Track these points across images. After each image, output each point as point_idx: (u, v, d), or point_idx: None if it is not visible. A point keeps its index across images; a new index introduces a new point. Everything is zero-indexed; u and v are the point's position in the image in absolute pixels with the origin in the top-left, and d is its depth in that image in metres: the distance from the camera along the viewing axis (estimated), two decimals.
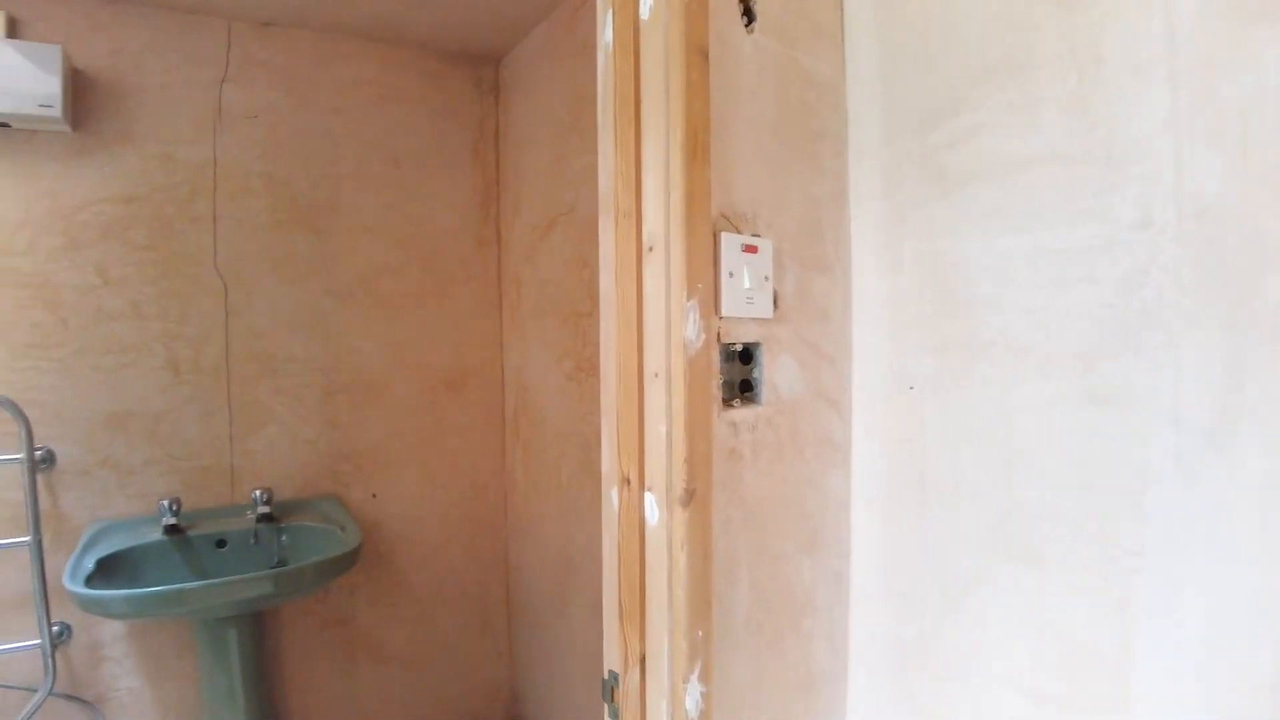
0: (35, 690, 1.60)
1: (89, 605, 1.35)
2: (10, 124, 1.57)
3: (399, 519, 1.90)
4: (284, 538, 1.70)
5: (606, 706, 0.86)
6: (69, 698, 1.67)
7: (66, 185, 1.63)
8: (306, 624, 1.84)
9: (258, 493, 1.69)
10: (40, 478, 1.64)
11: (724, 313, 0.75)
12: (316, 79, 1.81)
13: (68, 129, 1.61)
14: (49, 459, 1.64)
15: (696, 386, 0.73)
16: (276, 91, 1.78)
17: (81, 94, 1.62)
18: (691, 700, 0.76)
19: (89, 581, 1.41)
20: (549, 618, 1.84)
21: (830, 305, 0.88)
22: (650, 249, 0.72)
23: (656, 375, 0.73)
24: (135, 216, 1.67)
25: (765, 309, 0.80)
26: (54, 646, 1.59)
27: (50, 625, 1.57)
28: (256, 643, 1.64)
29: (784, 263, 0.82)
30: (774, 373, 0.83)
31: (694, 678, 0.76)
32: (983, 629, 0.79)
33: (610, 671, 0.84)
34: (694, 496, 0.73)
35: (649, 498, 0.76)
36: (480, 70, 1.99)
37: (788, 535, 0.87)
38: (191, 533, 1.64)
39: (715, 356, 0.76)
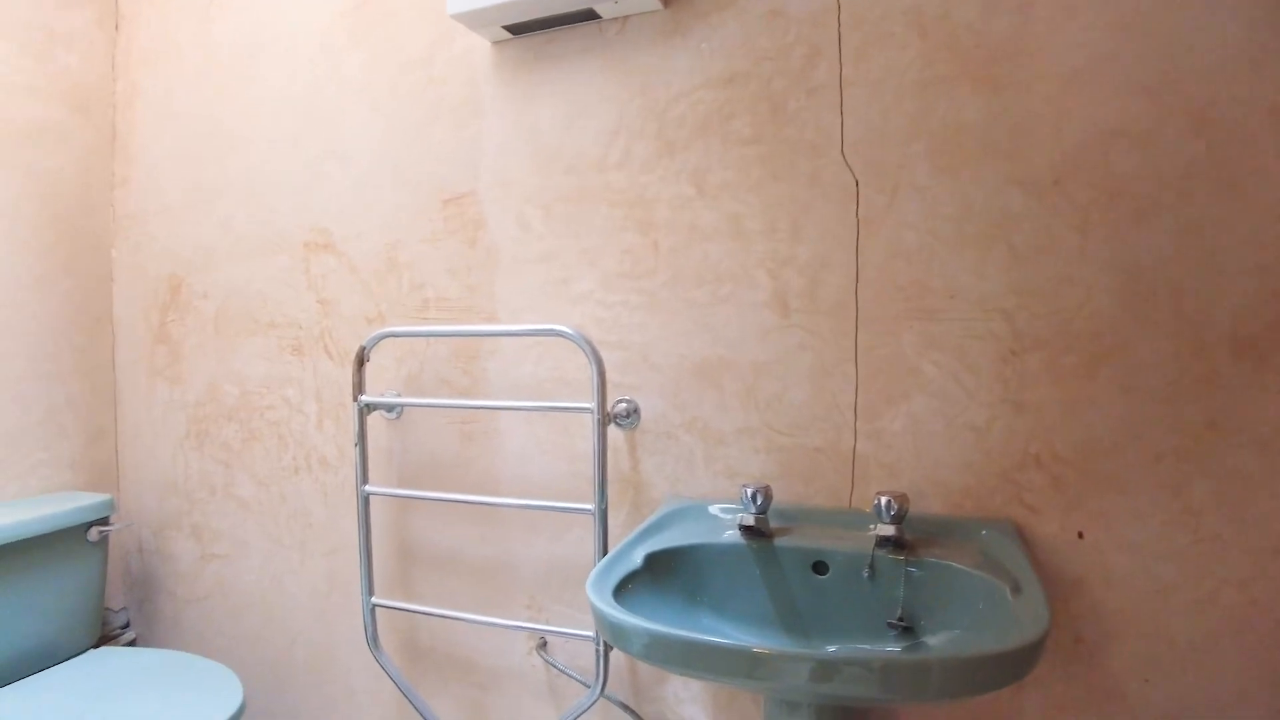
0: (589, 686, 1.22)
1: (604, 626, 0.82)
2: (599, 11, 1.16)
3: (1123, 585, 0.97)
4: (914, 578, 0.96)
5: None
6: (623, 707, 1.25)
7: (659, 76, 1.18)
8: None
9: (884, 501, 0.96)
10: (624, 435, 1.22)
11: None
12: None
13: (658, 4, 1.15)
14: (631, 413, 1.20)
15: None
16: None
17: None
18: None
19: (625, 586, 0.90)
20: None
21: None
22: None
23: None
24: (737, 101, 1.13)
25: None
26: (608, 646, 1.17)
27: None
28: None
29: None
30: None
31: None
32: None
33: None
34: None
35: None
36: None
37: None
38: (780, 541, 1.03)
39: None
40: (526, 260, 1.29)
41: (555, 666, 1.28)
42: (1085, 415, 0.97)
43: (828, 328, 1.08)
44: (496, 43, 1.28)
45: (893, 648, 0.93)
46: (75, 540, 1.47)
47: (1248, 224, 0.91)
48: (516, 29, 1.23)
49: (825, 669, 0.70)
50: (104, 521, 1.51)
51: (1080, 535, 0.98)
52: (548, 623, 1.29)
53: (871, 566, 0.97)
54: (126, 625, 1.73)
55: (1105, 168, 0.96)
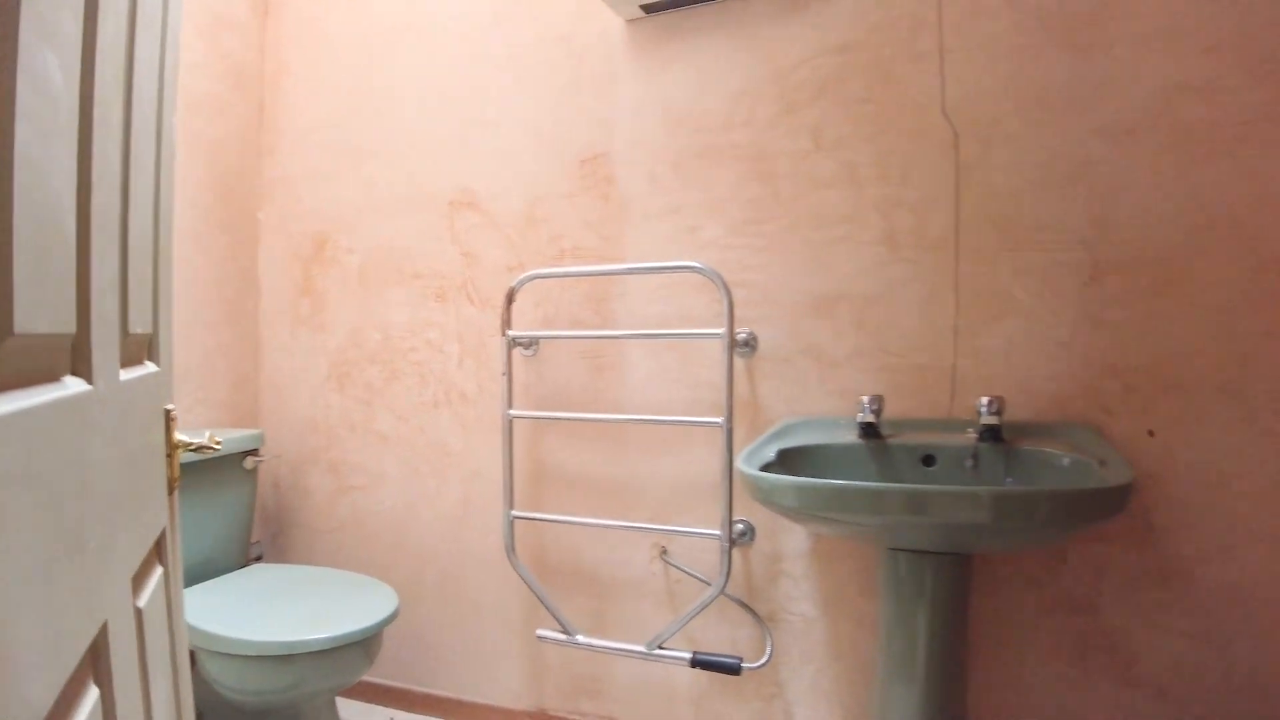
0: (710, 584, 1.53)
1: (758, 491, 1.14)
2: None
3: (1188, 476, 1.26)
4: (1014, 463, 1.26)
5: None
6: (741, 604, 1.57)
7: (781, 45, 1.51)
8: (1023, 598, 1.37)
9: (985, 400, 1.28)
10: (742, 362, 1.54)
11: None
12: None
13: None
14: (751, 342, 1.53)
15: None
16: None
17: None
18: None
19: (765, 469, 1.21)
20: None
21: None
22: None
23: None
24: (850, 66, 1.45)
25: None
26: (732, 543, 1.48)
27: (732, 520, 1.47)
28: (954, 598, 1.23)
29: None
30: None
31: None
32: None
33: None
34: None
35: None
36: None
37: None
38: (892, 441, 1.34)
39: None
40: (656, 212, 1.62)
41: (678, 568, 1.61)
42: (1154, 330, 1.27)
43: (931, 261, 1.39)
44: (631, 20, 1.63)
45: None
46: (233, 468, 1.84)
47: None
48: (651, 8, 1.57)
49: (946, 498, 1.00)
50: (256, 453, 1.89)
51: (1151, 434, 1.27)
52: (667, 534, 1.62)
53: (975, 457, 1.28)
54: (260, 557, 2.11)
55: (1172, 117, 1.25)
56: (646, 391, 1.64)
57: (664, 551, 1.63)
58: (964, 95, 1.37)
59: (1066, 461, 1.20)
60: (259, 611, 1.52)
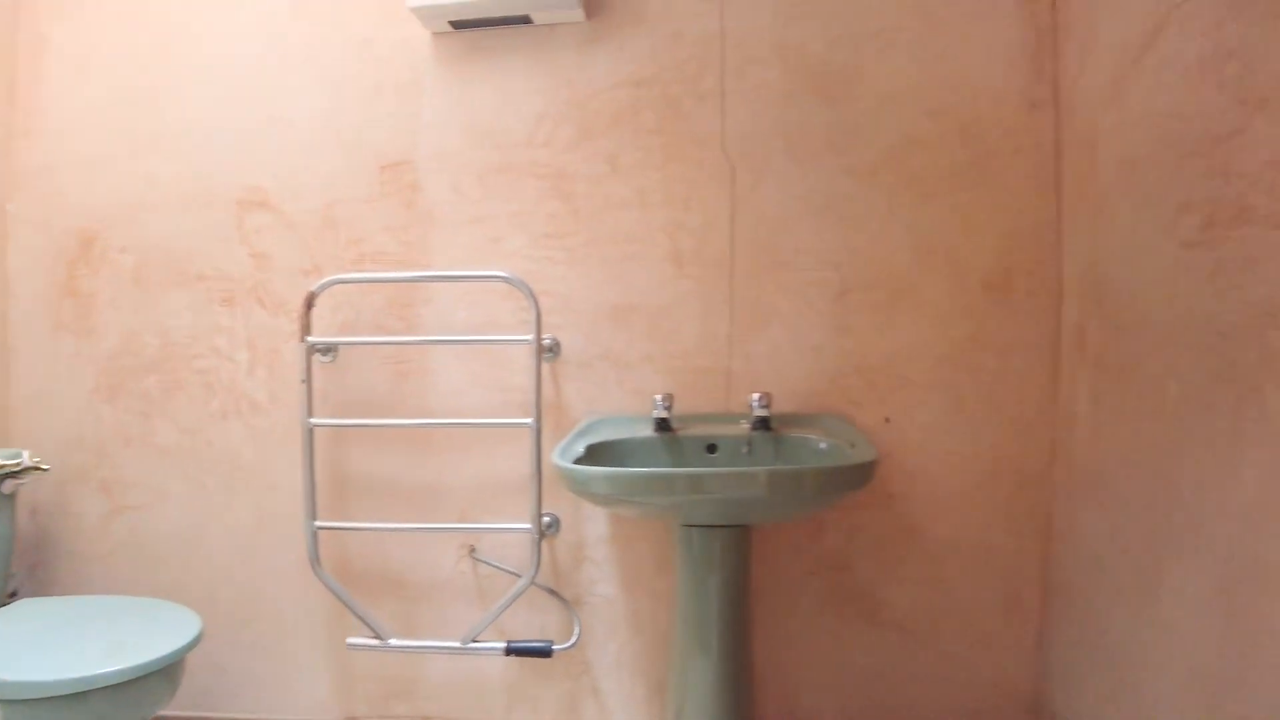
0: (520, 576, 1.63)
1: (573, 483, 1.29)
2: (533, 18, 1.60)
3: (916, 453, 1.57)
4: (781, 449, 1.49)
5: None
6: (549, 591, 1.69)
7: (581, 75, 1.64)
8: (794, 563, 1.63)
9: (755, 397, 1.51)
10: (546, 366, 1.65)
11: None
12: None
13: (582, 17, 1.62)
14: (554, 348, 1.65)
15: None
16: None
17: None
18: None
19: (578, 463, 1.36)
20: (1114, 605, 1.34)
21: None
22: None
23: None
24: (644, 99, 1.62)
25: None
26: (541, 537, 1.60)
27: (541, 515, 1.58)
28: (739, 566, 1.45)
29: None
30: None
31: None
32: None
33: None
34: None
35: None
36: None
37: None
38: (682, 433, 1.54)
39: None
40: (460, 221, 1.69)
41: (488, 563, 1.69)
42: (889, 336, 1.56)
43: (710, 277, 1.59)
44: (438, 34, 1.68)
45: None
46: None
47: (993, 205, 1.53)
48: (459, 24, 1.63)
49: (730, 477, 1.21)
50: (19, 474, 1.70)
51: (887, 420, 1.57)
52: (477, 532, 1.70)
53: (749, 444, 1.50)
54: (15, 593, 1.88)
55: (904, 163, 1.54)
56: (456, 397, 1.70)
57: (473, 549, 1.71)
58: (740, 133, 1.58)
59: (824, 445, 1.45)
60: (40, 649, 1.40)
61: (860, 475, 1.26)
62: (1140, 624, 1.28)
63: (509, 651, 1.61)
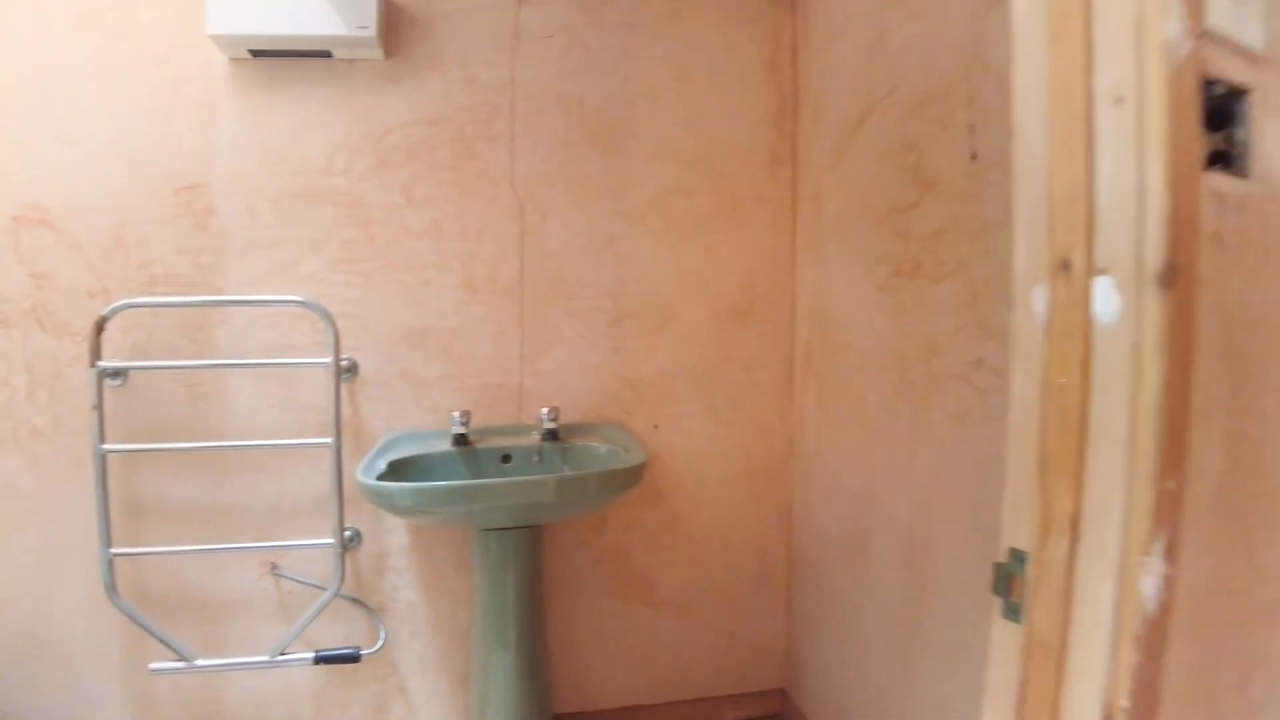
0: (325, 589, 1.71)
1: (378, 498, 1.42)
2: (333, 53, 1.70)
3: (680, 454, 1.85)
4: (567, 457, 1.71)
5: (1000, 604, 0.68)
6: (354, 601, 1.80)
7: (379, 110, 1.76)
8: (580, 555, 1.85)
9: (544, 411, 1.71)
10: (345, 386, 1.76)
11: (1208, 23, 0.56)
12: None
13: (381, 56, 1.73)
14: (353, 369, 1.76)
15: (1179, 115, 0.54)
16: (571, 10, 1.80)
17: (394, 24, 1.75)
18: (1151, 583, 0.57)
19: (381, 479, 1.49)
20: (837, 572, 1.69)
21: None
22: None
23: (1120, 100, 0.56)
24: (438, 137, 1.76)
25: (1257, 37, 0.59)
26: (344, 550, 1.70)
27: (343, 529, 1.68)
28: (532, 563, 1.65)
29: None
30: (1264, 139, 0.61)
31: (1157, 551, 0.57)
32: None
33: (1013, 551, 0.67)
34: (1177, 276, 0.54)
35: (1103, 284, 0.58)
36: None
37: (1276, 381, 0.65)
38: (478, 446, 1.70)
39: (1197, 83, 0.57)
40: (257, 245, 1.75)
41: (291, 579, 1.76)
42: (656, 355, 1.83)
43: (502, 303, 1.78)
44: (236, 59, 1.73)
45: None
46: None
47: (741, 246, 1.83)
48: (260, 53, 1.70)
49: (523, 485, 1.39)
50: None
51: (656, 427, 1.84)
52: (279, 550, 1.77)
53: (540, 454, 1.70)
54: None
55: (667, 208, 1.81)
56: (252, 418, 1.76)
57: (275, 567, 1.78)
58: (528, 174, 1.78)
59: (604, 451, 1.68)
60: None
61: (634, 476, 1.50)
62: (853, 582, 1.62)
63: (318, 660, 1.70)
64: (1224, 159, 0.60)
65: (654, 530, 1.86)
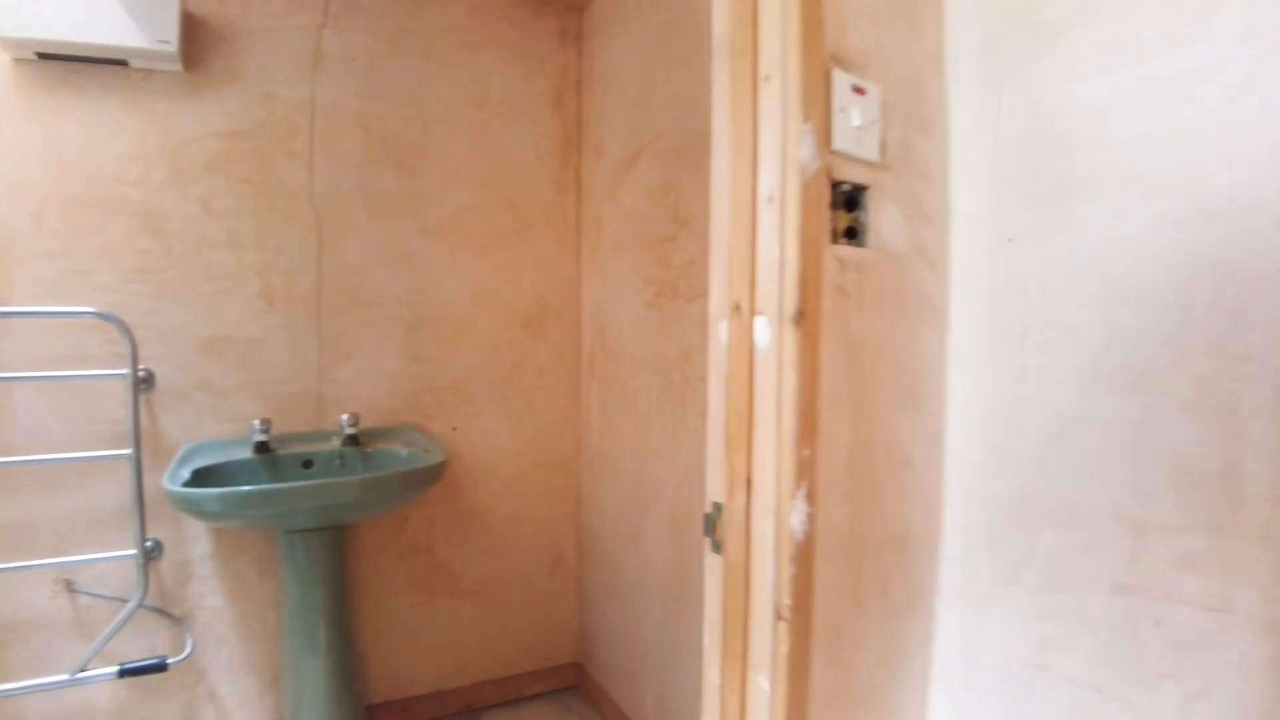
0: (127, 601, 1.71)
1: (184, 504, 1.46)
2: (130, 62, 1.72)
3: (478, 453, 2.02)
4: (369, 460, 1.82)
5: (708, 543, 0.93)
6: (158, 611, 1.79)
7: (177, 122, 1.77)
8: (385, 553, 1.96)
9: (344, 417, 1.81)
10: (141, 397, 1.77)
11: (835, 145, 0.82)
12: (410, 25, 1.95)
13: (180, 69, 1.75)
14: (149, 379, 1.77)
15: (810, 210, 0.80)
16: (371, 36, 1.92)
17: (194, 37, 1.77)
18: (797, 518, 0.82)
19: (185, 486, 1.53)
20: (619, 550, 1.92)
21: (930, 166, 0.95)
22: (767, 78, 0.80)
23: (771, 200, 0.81)
24: (238, 152, 1.82)
25: (872, 151, 0.87)
26: (147, 560, 1.71)
27: (145, 540, 1.69)
28: (337, 563, 1.74)
29: (890, 115, 0.89)
30: (880, 219, 0.90)
31: (800, 496, 0.82)
32: (1084, 466, 0.84)
33: (714, 504, 0.91)
34: (805, 316, 0.80)
35: (760, 321, 0.83)
36: (564, 19, 2.12)
37: (887, 387, 0.93)
38: (280, 453, 1.77)
39: (826, 186, 0.83)
40: (44, 254, 1.74)
41: (90, 594, 1.73)
42: (453, 362, 1.98)
43: (300, 312, 1.86)
44: (20, 60, 1.69)
45: None
46: None
47: (532, 262, 2.03)
48: (48, 56, 1.67)
49: (330, 487, 1.48)
50: None
51: (454, 429, 1.99)
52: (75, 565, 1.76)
53: (341, 458, 1.80)
54: None
55: (463, 225, 1.98)
56: (41, 432, 1.70)
57: (70, 583, 1.76)
58: (327, 190, 1.88)
59: (405, 453, 1.81)
60: None
61: (435, 474, 1.65)
62: (632, 559, 1.85)
63: (123, 674, 1.68)
64: (851, 233, 0.87)
65: (454, 525, 2.02)
